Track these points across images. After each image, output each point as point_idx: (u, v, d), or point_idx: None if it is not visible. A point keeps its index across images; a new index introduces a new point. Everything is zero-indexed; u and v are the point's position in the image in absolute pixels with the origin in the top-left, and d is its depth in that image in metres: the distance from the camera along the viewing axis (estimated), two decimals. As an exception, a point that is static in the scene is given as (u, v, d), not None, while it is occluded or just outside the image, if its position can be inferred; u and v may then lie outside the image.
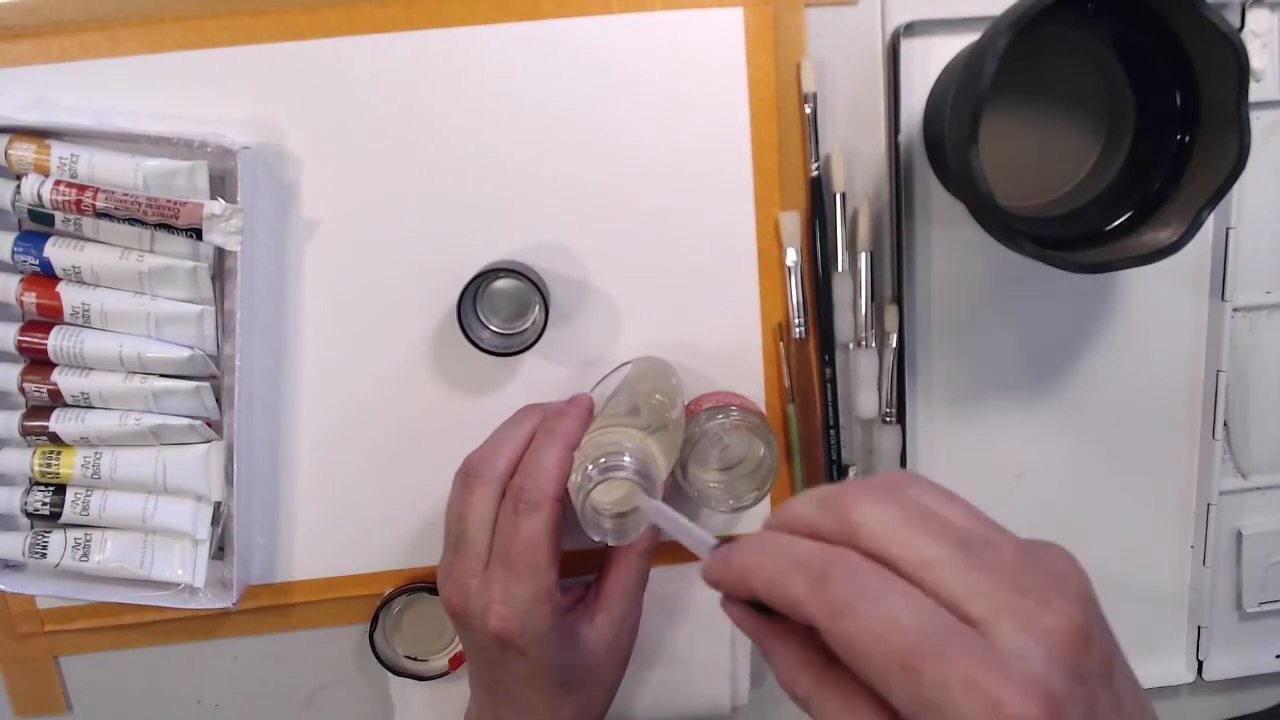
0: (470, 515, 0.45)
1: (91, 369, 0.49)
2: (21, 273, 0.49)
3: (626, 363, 0.52)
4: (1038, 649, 0.25)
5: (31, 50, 0.48)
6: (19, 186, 0.47)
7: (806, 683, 0.30)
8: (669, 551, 0.55)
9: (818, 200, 0.51)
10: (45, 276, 0.49)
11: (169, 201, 0.46)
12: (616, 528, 0.42)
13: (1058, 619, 0.26)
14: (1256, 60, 0.51)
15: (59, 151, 0.47)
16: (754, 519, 0.55)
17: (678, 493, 0.50)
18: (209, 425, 0.51)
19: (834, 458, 0.54)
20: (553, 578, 0.44)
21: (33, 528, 0.51)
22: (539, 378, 0.53)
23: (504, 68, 0.50)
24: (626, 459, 0.41)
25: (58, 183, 0.46)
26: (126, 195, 0.46)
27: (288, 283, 0.51)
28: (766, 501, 0.54)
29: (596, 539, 0.42)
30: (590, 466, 0.41)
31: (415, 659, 0.55)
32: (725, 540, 0.33)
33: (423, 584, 0.54)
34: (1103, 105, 0.48)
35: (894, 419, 0.53)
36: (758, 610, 0.31)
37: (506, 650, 0.44)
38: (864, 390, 0.53)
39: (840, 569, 0.27)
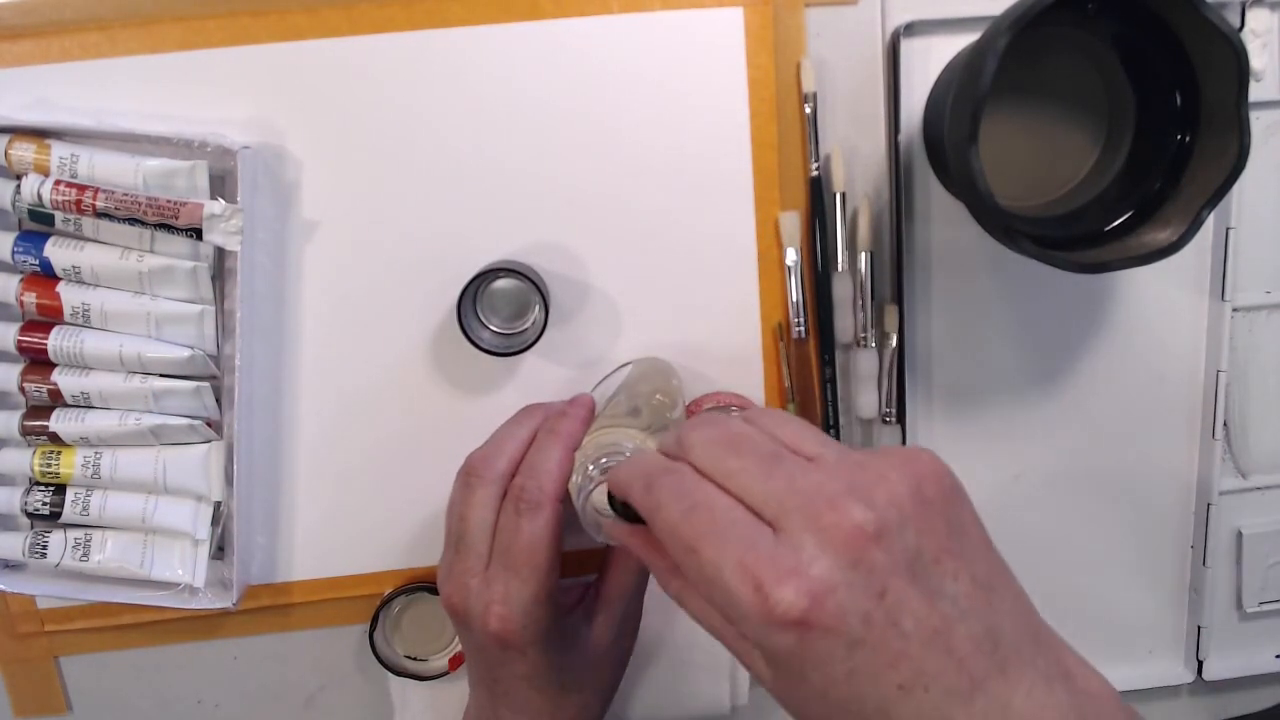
0: (471, 515, 0.45)
1: (91, 369, 0.49)
2: (21, 273, 0.49)
3: (627, 363, 0.52)
4: (812, 541, 0.29)
5: (31, 50, 0.48)
6: (19, 186, 0.47)
7: (676, 585, 0.35)
8: (669, 551, 0.55)
9: (818, 200, 0.51)
10: (45, 276, 0.49)
11: (169, 201, 0.46)
12: None
13: (837, 516, 0.29)
14: (1256, 60, 0.51)
15: (59, 151, 0.47)
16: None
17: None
18: (209, 425, 0.51)
19: (834, 458, 0.54)
20: (554, 578, 0.44)
21: (33, 528, 0.51)
22: (539, 378, 0.53)
23: (504, 68, 0.50)
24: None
25: (58, 182, 0.46)
26: (126, 195, 0.46)
27: (288, 283, 0.51)
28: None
29: (598, 539, 0.42)
30: (591, 467, 0.41)
31: (415, 659, 0.55)
32: None
33: (423, 584, 0.54)
34: (1103, 105, 0.48)
35: (894, 419, 0.53)
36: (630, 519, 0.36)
37: (506, 650, 0.44)
38: (864, 390, 0.53)
39: (664, 475, 0.33)
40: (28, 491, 0.50)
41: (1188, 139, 0.45)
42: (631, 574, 0.48)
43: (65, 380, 0.49)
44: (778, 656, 0.29)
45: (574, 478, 0.43)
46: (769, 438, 0.33)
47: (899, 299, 0.52)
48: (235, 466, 0.51)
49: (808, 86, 0.50)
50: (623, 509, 0.37)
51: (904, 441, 0.53)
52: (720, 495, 0.31)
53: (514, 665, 0.44)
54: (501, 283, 0.51)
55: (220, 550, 0.52)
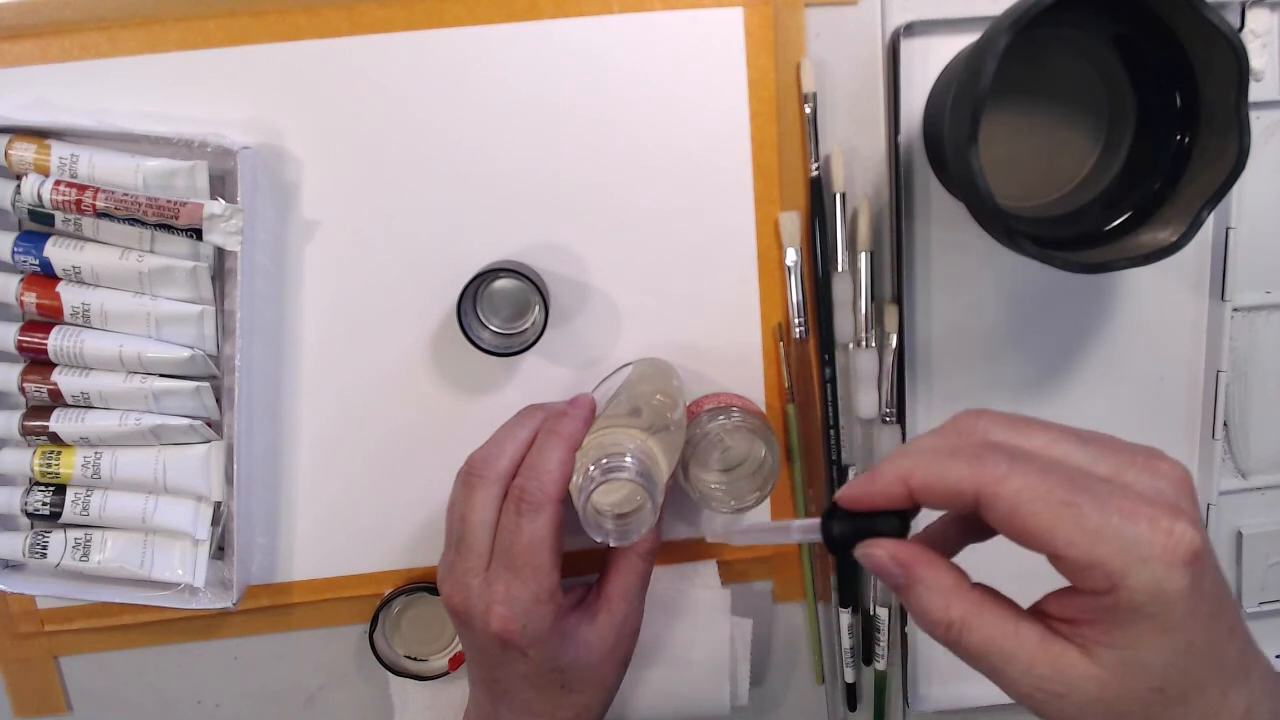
0: (472, 515, 0.45)
1: (91, 369, 0.49)
2: (21, 273, 0.49)
3: (628, 364, 0.52)
4: (1167, 486, 0.30)
5: (31, 50, 0.48)
6: (19, 186, 0.47)
7: (962, 605, 0.32)
8: (670, 552, 0.55)
9: (818, 200, 0.51)
10: (45, 276, 0.49)
11: (169, 202, 0.46)
12: (618, 529, 0.42)
13: (1170, 465, 0.31)
14: (1256, 60, 0.51)
15: (59, 151, 0.47)
16: (756, 518, 0.55)
17: (679, 494, 0.50)
18: (209, 425, 0.51)
19: (834, 458, 0.54)
20: (554, 578, 0.44)
21: (33, 528, 0.51)
22: (539, 378, 0.53)
23: (504, 68, 0.50)
24: (628, 460, 0.41)
25: (58, 183, 0.46)
26: (126, 195, 0.46)
27: (288, 283, 0.51)
28: (767, 503, 0.54)
29: (598, 540, 0.42)
30: (592, 467, 0.41)
31: (415, 659, 0.55)
32: (831, 507, 0.36)
33: (423, 584, 0.54)
34: (1103, 105, 0.48)
35: (894, 419, 0.53)
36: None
37: (507, 650, 0.44)
38: (864, 390, 0.53)
39: (992, 448, 0.31)
40: (28, 491, 0.50)
41: (1188, 139, 0.45)
42: (633, 574, 0.48)
43: (65, 380, 0.49)
44: (1168, 602, 0.29)
45: (575, 478, 0.43)
46: (1042, 421, 0.34)
47: (899, 299, 0.52)
48: (235, 466, 0.51)
49: (808, 86, 0.50)
50: (840, 535, 0.35)
51: (904, 440, 0.53)
52: (1056, 461, 0.31)
53: (514, 665, 0.44)
54: (501, 283, 0.51)
55: (220, 550, 0.52)
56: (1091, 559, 0.29)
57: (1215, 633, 0.30)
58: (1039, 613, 0.32)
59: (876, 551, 0.34)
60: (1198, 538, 0.29)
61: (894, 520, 0.34)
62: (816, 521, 0.35)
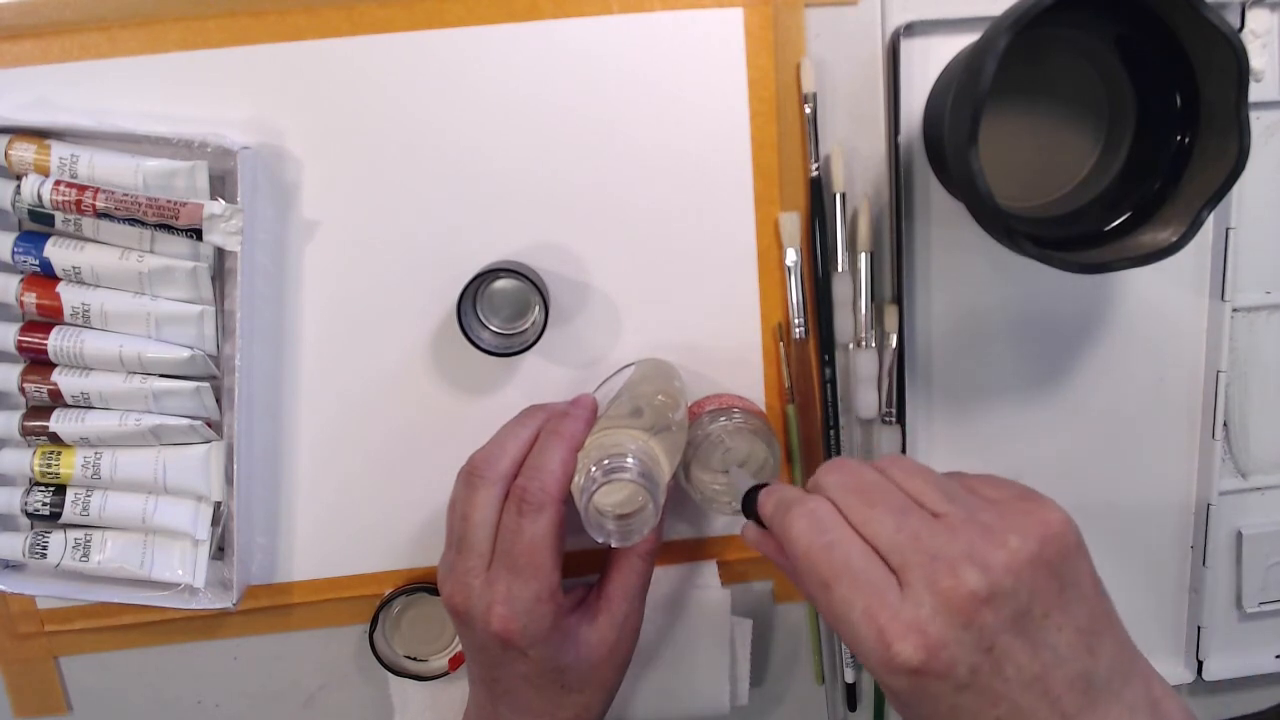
0: (473, 515, 0.45)
1: (91, 369, 0.49)
2: (21, 273, 0.49)
3: (630, 364, 0.52)
4: (930, 601, 0.32)
5: (31, 50, 0.48)
6: (19, 186, 0.47)
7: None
8: (670, 552, 0.55)
9: (818, 200, 0.51)
10: (45, 276, 0.49)
11: (169, 202, 0.46)
12: (620, 529, 0.42)
13: (953, 581, 0.32)
14: (1256, 60, 0.51)
15: (59, 152, 0.47)
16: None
17: (679, 494, 0.50)
18: (209, 426, 0.51)
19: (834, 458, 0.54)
20: (555, 579, 0.44)
21: (33, 528, 0.51)
22: (539, 378, 0.53)
23: (504, 68, 0.50)
24: (630, 461, 0.41)
25: (58, 183, 0.46)
26: (126, 195, 0.46)
27: (287, 283, 0.51)
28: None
29: (600, 540, 0.42)
30: (594, 468, 0.41)
31: (415, 659, 0.55)
32: (759, 485, 0.42)
33: (422, 584, 0.54)
34: (1103, 105, 0.48)
35: (894, 419, 0.53)
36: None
37: (507, 650, 0.44)
38: (864, 390, 0.53)
39: (802, 505, 0.37)
40: (28, 492, 0.50)
41: (1188, 139, 0.45)
42: (634, 574, 0.48)
43: (65, 380, 0.49)
44: (890, 690, 0.33)
45: (576, 478, 0.43)
46: (898, 489, 0.37)
47: (899, 299, 0.52)
48: (235, 467, 0.51)
49: (807, 87, 0.50)
50: (745, 509, 0.42)
51: (904, 441, 0.53)
52: (855, 537, 0.35)
53: (515, 665, 0.44)
54: (501, 283, 0.51)
55: (220, 550, 0.52)
56: (835, 631, 0.34)
57: (982, 710, 0.32)
58: None
59: (748, 534, 0.42)
60: (915, 658, 0.32)
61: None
62: (750, 485, 0.43)
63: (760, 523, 0.41)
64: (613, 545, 0.42)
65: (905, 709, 0.34)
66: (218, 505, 0.51)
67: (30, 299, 0.48)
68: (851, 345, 0.53)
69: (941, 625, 0.32)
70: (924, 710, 0.33)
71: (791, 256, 0.52)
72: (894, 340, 0.52)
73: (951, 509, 0.35)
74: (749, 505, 0.42)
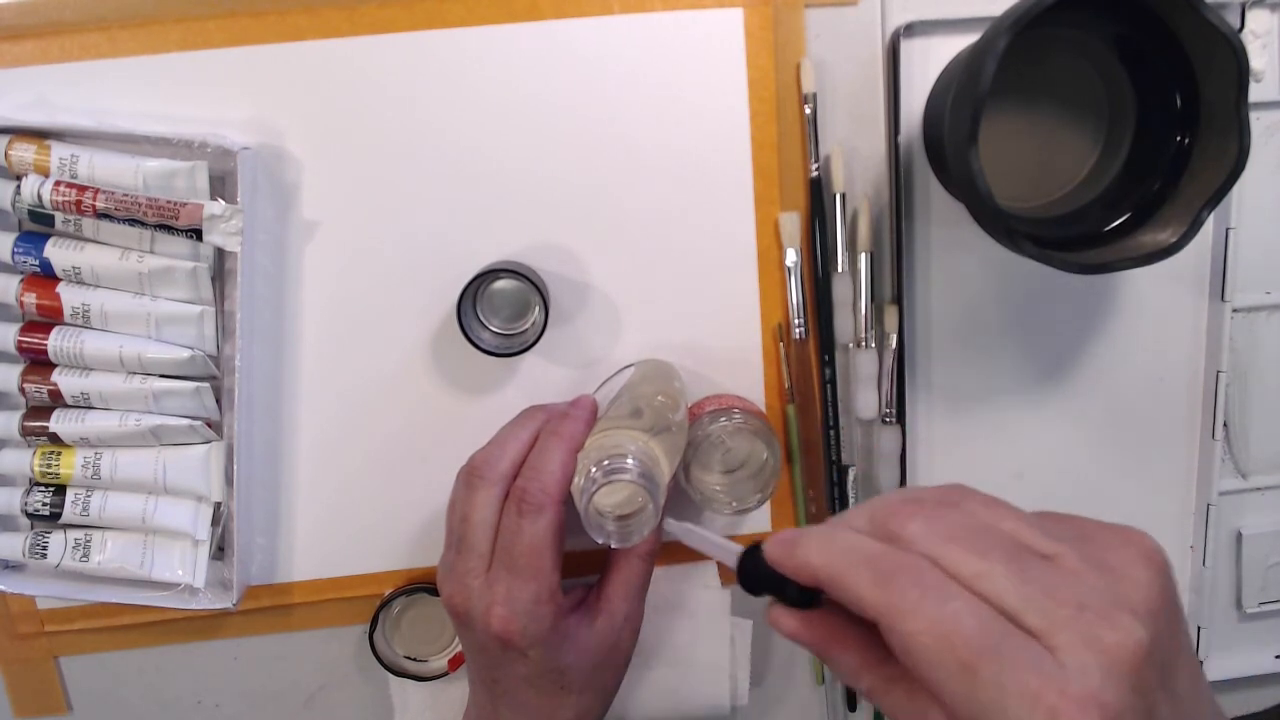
0: (473, 516, 0.45)
1: (91, 369, 0.49)
2: (21, 273, 0.49)
3: (630, 365, 0.52)
4: (1096, 665, 0.26)
5: (31, 50, 0.48)
6: (19, 187, 0.47)
7: (870, 680, 0.31)
8: (670, 552, 0.55)
9: (817, 200, 0.51)
10: (45, 277, 0.49)
11: (169, 202, 0.46)
12: (620, 530, 0.42)
13: (1119, 635, 0.26)
14: (1256, 61, 0.51)
15: (59, 152, 0.47)
16: (758, 522, 0.55)
17: (680, 495, 0.50)
18: (209, 426, 0.51)
19: (834, 458, 0.54)
20: (555, 579, 0.44)
21: (33, 528, 0.51)
22: (539, 378, 0.53)
23: (504, 68, 0.50)
24: (630, 462, 0.41)
25: (58, 183, 0.46)
26: (126, 196, 0.46)
27: (287, 283, 0.51)
28: (768, 505, 0.54)
29: (600, 541, 0.42)
30: (594, 469, 0.41)
31: (415, 659, 0.55)
32: (753, 548, 0.34)
33: (422, 584, 0.54)
34: (1103, 105, 0.48)
35: (894, 419, 0.53)
36: (799, 604, 0.32)
37: (507, 651, 0.44)
38: (864, 390, 0.53)
39: (908, 570, 0.28)
40: (28, 492, 0.50)
41: (1187, 139, 0.45)
42: (634, 576, 0.48)
43: (65, 381, 0.49)
44: None
45: (576, 479, 0.43)
46: (998, 531, 0.30)
47: (899, 299, 0.52)
48: (235, 467, 0.51)
49: (807, 87, 0.50)
50: (750, 581, 0.33)
51: (904, 441, 0.53)
52: (979, 602, 0.28)
53: (515, 666, 0.44)
54: (501, 283, 0.51)
55: (220, 551, 0.52)
56: None
57: None
58: None
59: (784, 623, 0.33)
60: None
61: (798, 589, 0.32)
62: (739, 552, 0.35)
63: (777, 591, 0.33)
64: (613, 546, 0.42)
65: None
66: (218, 505, 0.51)
67: (30, 299, 0.48)
68: (851, 345, 0.53)
69: (1116, 692, 0.26)
70: None
71: (791, 257, 0.52)
72: (894, 340, 0.52)
73: (1061, 548, 0.29)
74: (754, 576, 0.33)
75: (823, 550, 0.31)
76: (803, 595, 0.32)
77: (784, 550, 0.32)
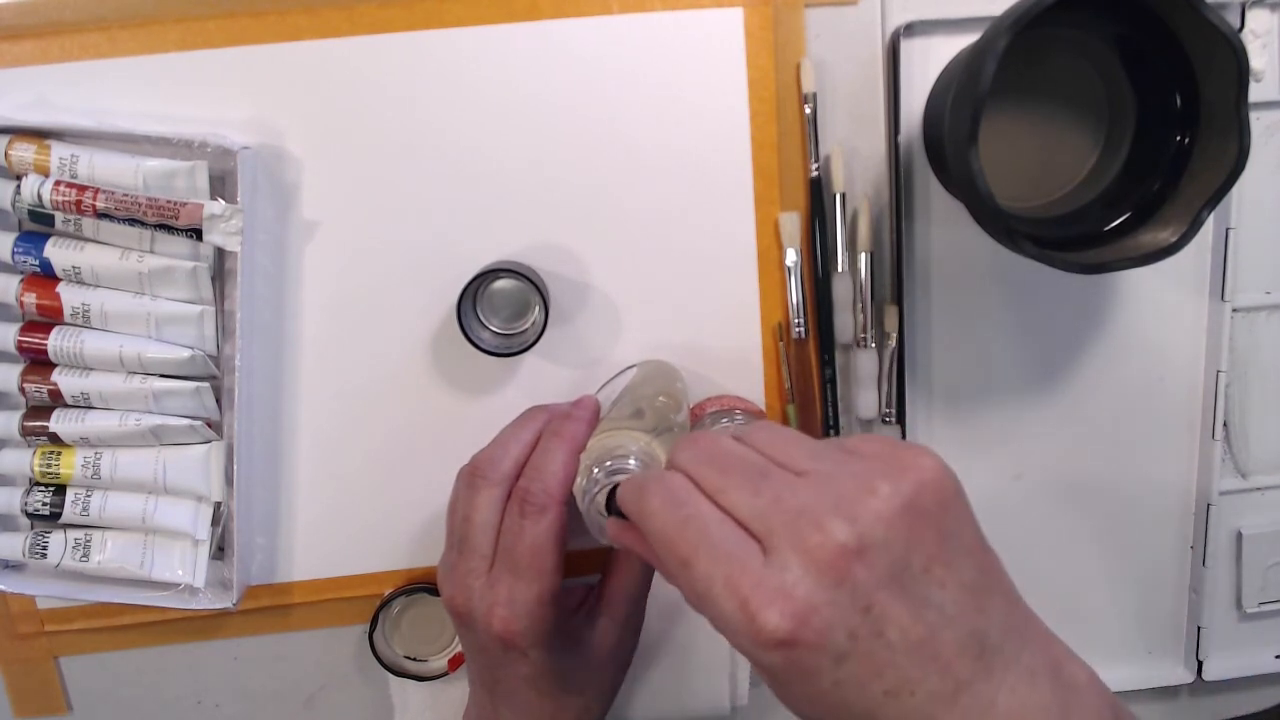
0: (475, 516, 0.45)
1: (91, 369, 0.49)
2: (21, 273, 0.49)
3: (632, 366, 0.52)
4: (797, 563, 0.29)
5: (31, 50, 0.48)
6: (19, 187, 0.47)
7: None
8: (669, 552, 0.55)
9: (817, 200, 0.51)
10: (45, 277, 0.49)
11: (169, 202, 0.46)
12: None
13: (821, 537, 0.29)
14: (1256, 61, 0.51)
15: (59, 152, 0.47)
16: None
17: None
18: (209, 426, 0.51)
19: (834, 458, 0.54)
20: (557, 580, 0.44)
21: (33, 528, 0.51)
22: (539, 378, 0.53)
23: (504, 68, 0.50)
24: (632, 462, 0.41)
25: (58, 183, 0.46)
26: (126, 196, 0.46)
27: (287, 283, 0.51)
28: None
29: (602, 542, 0.42)
30: (596, 470, 0.41)
31: (415, 659, 0.55)
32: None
33: (422, 584, 0.54)
34: (1103, 105, 0.48)
35: (894, 419, 0.53)
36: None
37: (509, 651, 0.44)
38: (864, 390, 0.53)
39: (655, 484, 0.34)
40: (28, 492, 0.50)
41: (1187, 139, 0.45)
42: (635, 576, 0.48)
43: (65, 381, 0.49)
44: (765, 670, 0.30)
45: (578, 480, 0.43)
46: (758, 454, 0.34)
47: (899, 299, 0.52)
48: (235, 467, 0.51)
49: (807, 87, 0.50)
50: (608, 506, 0.39)
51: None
52: (711, 508, 0.32)
53: (516, 666, 0.44)
54: (501, 283, 0.51)
55: (220, 550, 0.52)
56: (700, 613, 0.31)
57: (867, 682, 0.29)
58: None
59: (609, 530, 0.39)
60: (782, 626, 0.28)
61: None
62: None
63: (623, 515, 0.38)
64: (615, 547, 0.42)
65: (786, 693, 0.31)
66: (218, 505, 0.51)
67: (30, 299, 0.48)
68: (852, 345, 0.53)
69: (810, 586, 0.29)
70: (805, 690, 0.29)
71: (791, 256, 0.52)
72: (894, 340, 0.52)
73: (816, 466, 0.32)
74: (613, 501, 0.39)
75: (624, 484, 0.37)
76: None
77: (625, 489, 0.37)
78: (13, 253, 0.48)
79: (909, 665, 0.29)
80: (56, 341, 0.49)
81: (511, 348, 0.50)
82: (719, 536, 0.31)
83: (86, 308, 0.48)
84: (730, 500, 0.32)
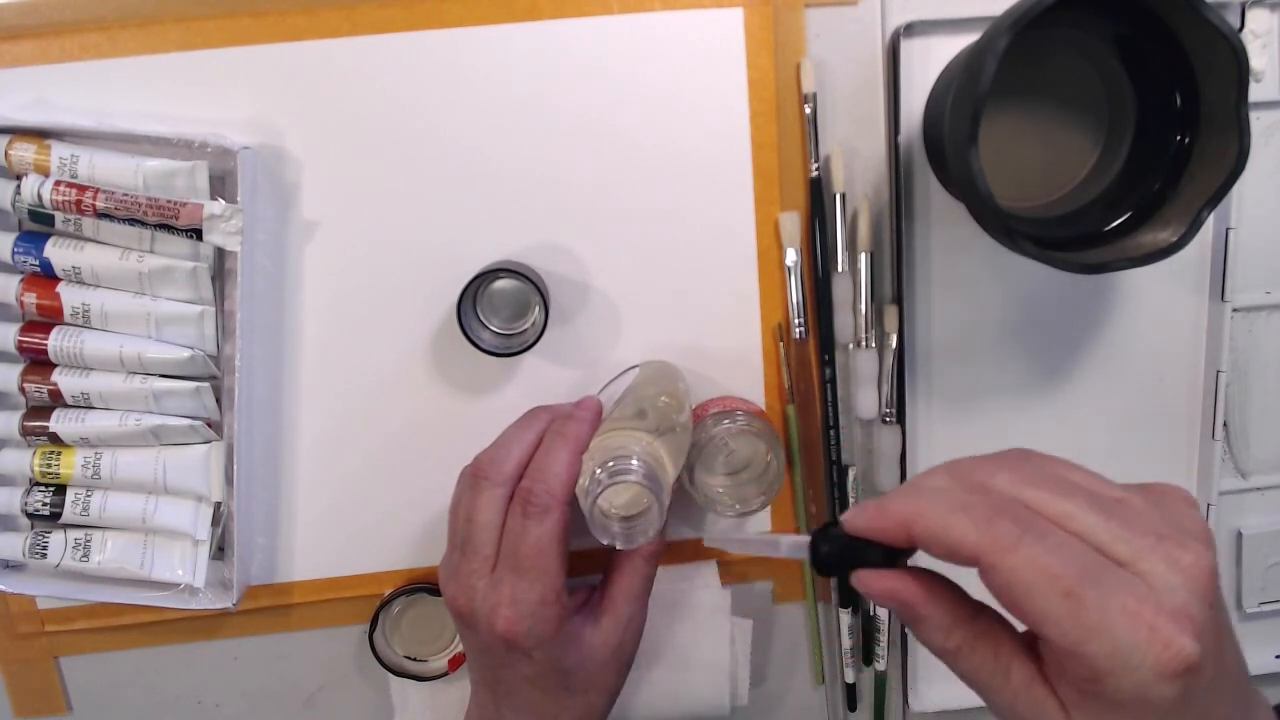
0: (478, 517, 0.45)
1: (92, 369, 0.49)
2: (22, 273, 0.49)
3: (634, 366, 0.52)
4: (1181, 584, 0.29)
5: (31, 50, 0.48)
6: (19, 187, 0.47)
7: (959, 637, 0.32)
8: (670, 552, 0.55)
9: (817, 201, 0.51)
10: (45, 277, 0.49)
11: (169, 202, 0.46)
12: (625, 531, 0.42)
13: (1194, 557, 0.29)
14: (1256, 61, 0.51)
15: (59, 152, 0.47)
16: (759, 524, 0.55)
17: (684, 497, 0.50)
18: (209, 426, 0.51)
19: (834, 458, 0.54)
20: (560, 581, 0.44)
21: (33, 528, 0.51)
22: (539, 378, 0.53)
23: (504, 68, 0.50)
24: (634, 463, 0.41)
25: (58, 183, 0.46)
26: (127, 196, 0.46)
27: (287, 283, 0.51)
28: (769, 507, 0.54)
29: (605, 542, 0.42)
30: (599, 470, 0.41)
31: (415, 659, 0.55)
32: (822, 529, 0.35)
33: (423, 584, 0.54)
34: (1103, 105, 0.48)
35: (894, 419, 0.53)
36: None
37: (512, 652, 0.44)
38: (864, 390, 0.53)
39: (1006, 511, 0.30)
40: (28, 492, 0.50)
41: (1187, 139, 0.45)
42: (638, 577, 0.48)
43: (65, 381, 0.49)
44: (1148, 705, 0.28)
45: (581, 480, 0.43)
46: (1068, 479, 0.32)
47: (899, 299, 0.52)
48: (235, 467, 0.51)
49: (807, 87, 0.50)
50: (827, 558, 0.34)
51: (904, 441, 0.53)
52: (1071, 537, 0.30)
53: (519, 667, 0.44)
54: (501, 283, 0.51)
55: (220, 551, 0.52)
56: (1081, 652, 0.28)
57: (1210, 711, 0.29)
58: (1035, 643, 0.31)
59: (875, 584, 0.33)
60: (1195, 651, 0.28)
61: (880, 550, 0.33)
62: (806, 540, 0.35)
63: (856, 563, 0.33)
64: (618, 547, 0.42)
65: None
66: (218, 505, 0.51)
67: (30, 299, 0.48)
68: (851, 345, 0.53)
69: (1199, 606, 0.28)
70: (1175, 714, 0.28)
71: (791, 256, 0.52)
72: (894, 340, 0.52)
73: (1125, 493, 0.32)
74: (829, 555, 0.34)
75: (918, 504, 0.32)
76: (886, 560, 0.33)
77: (873, 513, 0.33)
78: (13, 253, 0.48)
79: (1231, 700, 0.30)
80: (56, 341, 0.49)
81: (511, 348, 0.50)
82: (1097, 564, 0.29)
83: (86, 308, 0.48)
84: (1083, 525, 0.30)
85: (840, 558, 0.34)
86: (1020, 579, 0.29)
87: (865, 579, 0.33)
